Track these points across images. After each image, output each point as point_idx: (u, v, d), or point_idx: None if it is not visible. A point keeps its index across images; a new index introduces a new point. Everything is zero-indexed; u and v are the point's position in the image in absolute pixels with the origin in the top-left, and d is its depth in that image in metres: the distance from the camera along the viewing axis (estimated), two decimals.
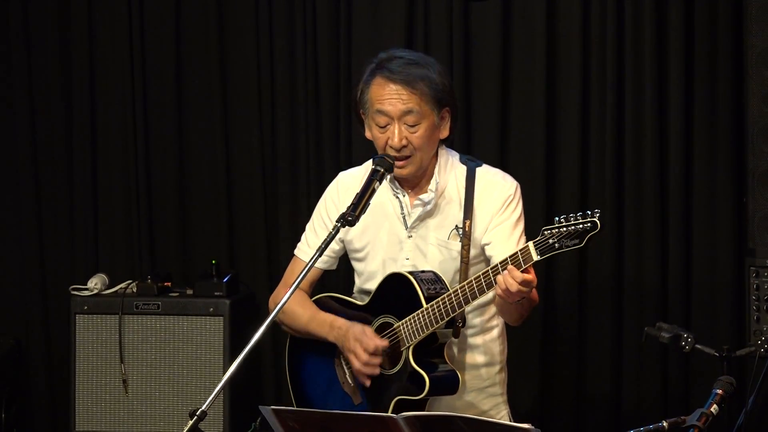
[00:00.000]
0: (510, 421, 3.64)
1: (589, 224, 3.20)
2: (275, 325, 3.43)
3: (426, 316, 3.44)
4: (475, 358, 3.66)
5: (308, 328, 3.68)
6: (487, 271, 3.34)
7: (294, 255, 3.84)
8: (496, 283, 3.30)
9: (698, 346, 4.20)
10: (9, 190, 5.44)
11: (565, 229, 3.22)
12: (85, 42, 5.33)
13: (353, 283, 3.81)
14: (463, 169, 3.63)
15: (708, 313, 4.86)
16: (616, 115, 4.89)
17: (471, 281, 3.37)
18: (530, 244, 3.25)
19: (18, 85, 5.39)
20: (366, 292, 3.70)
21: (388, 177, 3.54)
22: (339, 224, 3.35)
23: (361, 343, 3.50)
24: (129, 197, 5.34)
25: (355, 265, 3.76)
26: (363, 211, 3.38)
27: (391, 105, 3.51)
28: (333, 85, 5.14)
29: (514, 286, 3.25)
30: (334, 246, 3.71)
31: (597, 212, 3.21)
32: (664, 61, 4.85)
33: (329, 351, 3.67)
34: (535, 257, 3.24)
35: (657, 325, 4.31)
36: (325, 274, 3.83)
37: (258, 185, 5.28)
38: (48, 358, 5.41)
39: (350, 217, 3.35)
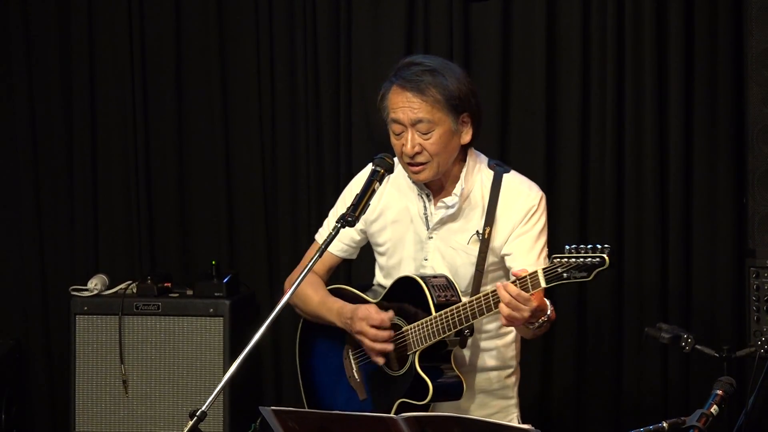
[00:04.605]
0: (519, 423, 3.63)
1: (597, 259, 3.18)
2: (276, 324, 3.41)
3: (434, 325, 3.45)
4: (487, 361, 3.65)
5: (318, 312, 3.71)
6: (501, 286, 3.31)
7: (314, 239, 3.85)
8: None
9: (698, 346, 4.21)
10: (9, 190, 5.43)
11: (574, 260, 3.21)
12: (85, 42, 5.33)
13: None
14: (490, 174, 3.62)
15: (708, 313, 4.85)
16: (616, 115, 4.89)
17: (488, 294, 3.37)
18: (539, 270, 3.25)
19: (18, 85, 5.38)
20: (383, 287, 3.71)
21: (389, 177, 3.54)
22: (339, 225, 3.35)
23: (367, 321, 3.53)
24: (129, 197, 5.33)
25: (378, 258, 3.77)
26: (363, 211, 3.39)
27: (403, 113, 3.51)
28: (333, 85, 5.13)
29: (511, 302, 3.25)
30: (355, 236, 3.75)
31: (607, 247, 3.20)
32: (664, 61, 4.85)
33: (339, 341, 3.69)
34: (543, 284, 3.25)
35: (657, 326, 4.31)
36: (352, 264, 3.81)
37: (258, 185, 5.27)
38: (48, 358, 5.41)
39: (350, 218, 3.35)
